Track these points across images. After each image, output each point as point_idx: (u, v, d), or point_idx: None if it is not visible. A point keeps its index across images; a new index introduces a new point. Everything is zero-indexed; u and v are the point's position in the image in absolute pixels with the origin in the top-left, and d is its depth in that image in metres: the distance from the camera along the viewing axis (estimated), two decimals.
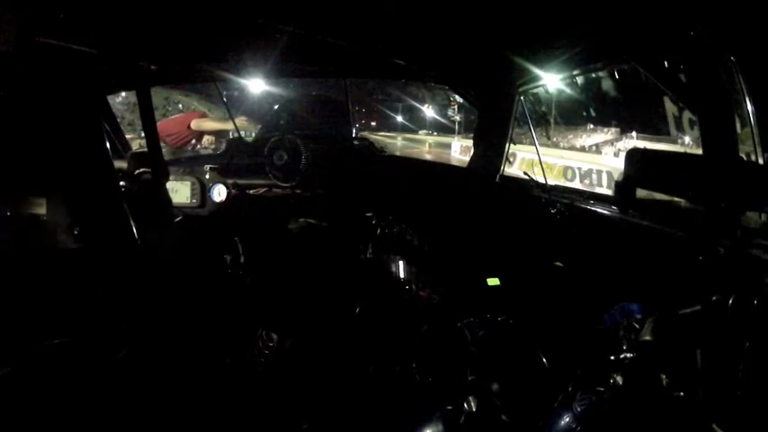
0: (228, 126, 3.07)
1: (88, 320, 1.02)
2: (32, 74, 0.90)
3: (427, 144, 20.98)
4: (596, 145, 14.68)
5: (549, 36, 1.30)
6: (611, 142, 14.45)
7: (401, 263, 1.60)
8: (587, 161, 9.99)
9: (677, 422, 0.79)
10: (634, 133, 13.67)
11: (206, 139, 3.24)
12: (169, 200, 1.50)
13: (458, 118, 19.81)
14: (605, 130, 15.95)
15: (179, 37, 1.39)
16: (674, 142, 10.67)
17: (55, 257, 1.08)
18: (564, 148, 13.12)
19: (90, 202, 1.00)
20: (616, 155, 11.24)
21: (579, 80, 1.65)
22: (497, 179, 2.07)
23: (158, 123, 2.57)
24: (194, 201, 1.96)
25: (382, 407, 1.19)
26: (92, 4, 0.99)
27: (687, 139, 10.14)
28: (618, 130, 15.40)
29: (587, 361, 0.96)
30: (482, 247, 1.67)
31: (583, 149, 13.72)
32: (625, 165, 0.97)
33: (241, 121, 2.88)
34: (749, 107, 0.96)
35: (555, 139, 15.04)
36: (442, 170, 2.53)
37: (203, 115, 3.42)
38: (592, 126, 16.52)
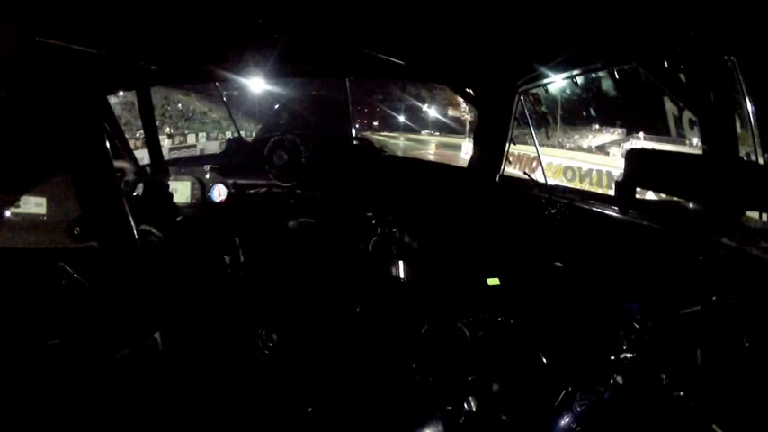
0: None
1: (88, 320, 1.02)
2: (33, 74, 0.90)
3: (434, 145, 20.80)
4: (604, 145, 14.71)
5: (549, 36, 1.30)
6: (618, 143, 14.45)
7: (401, 263, 1.60)
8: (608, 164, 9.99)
9: (677, 422, 0.79)
10: (641, 134, 13.63)
11: None
12: (171, 199, 1.50)
13: (469, 117, 19.66)
14: (612, 130, 15.96)
15: (179, 37, 1.39)
16: (683, 143, 10.64)
17: (55, 257, 1.08)
18: (587, 151, 13.15)
19: (90, 202, 1.00)
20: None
21: (579, 80, 1.64)
22: (497, 179, 2.07)
23: None
24: (194, 201, 1.96)
25: (382, 407, 1.19)
26: (91, 5, 0.99)
27: (696, 140, 10.12)
28: (624, 130, 15.41)
29: (587, 361, 0.96)
30: (482, 247, 1.67)
31: (598, 151, 13.75)
32: (625, 165, 0.97)
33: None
34: (749, 107, 0.96)
35: (560, 140, 15.06)
36: (442, 170, 2.53)
37: None
38: (597, 126, 16.54)
